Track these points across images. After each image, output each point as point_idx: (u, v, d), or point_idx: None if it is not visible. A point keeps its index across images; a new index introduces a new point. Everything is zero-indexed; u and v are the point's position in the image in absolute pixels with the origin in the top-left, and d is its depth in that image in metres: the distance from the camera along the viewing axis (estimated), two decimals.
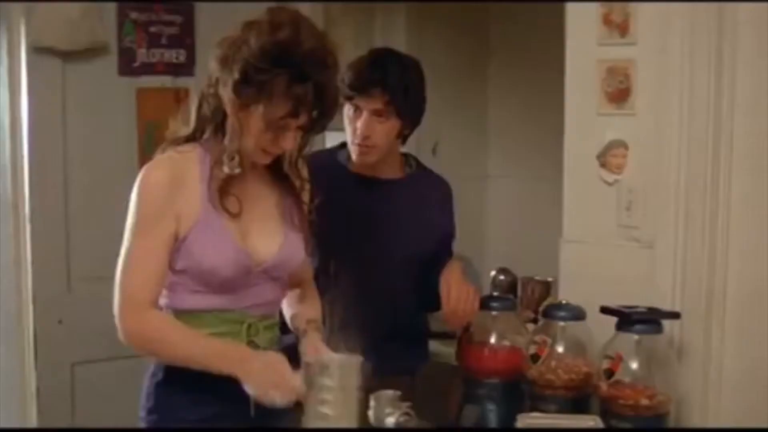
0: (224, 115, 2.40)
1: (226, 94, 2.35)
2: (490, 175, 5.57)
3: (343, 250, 2.99)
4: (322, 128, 2.47)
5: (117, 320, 2.39)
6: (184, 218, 2.40)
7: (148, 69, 4.21)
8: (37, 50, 3.91)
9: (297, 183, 2.61)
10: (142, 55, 4.16)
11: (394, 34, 5.24)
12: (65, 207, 3.94)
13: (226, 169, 2.40)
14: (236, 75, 2.32)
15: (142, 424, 2.57)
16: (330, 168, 3.08)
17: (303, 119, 2.36)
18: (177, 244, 2.41)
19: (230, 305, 2.47)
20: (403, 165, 3.23)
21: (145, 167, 2.45)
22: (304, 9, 4.60)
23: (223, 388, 2.38)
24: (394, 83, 2.99)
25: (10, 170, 3.99)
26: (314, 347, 2.51)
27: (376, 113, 2.99)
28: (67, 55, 3.96)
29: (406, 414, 2.97)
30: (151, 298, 2.40)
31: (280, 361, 2.37)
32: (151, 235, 2.38)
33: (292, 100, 2.31)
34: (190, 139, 2.48)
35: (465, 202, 5.55)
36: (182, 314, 2.45)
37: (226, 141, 2.40)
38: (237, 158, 2.40)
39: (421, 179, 3.25)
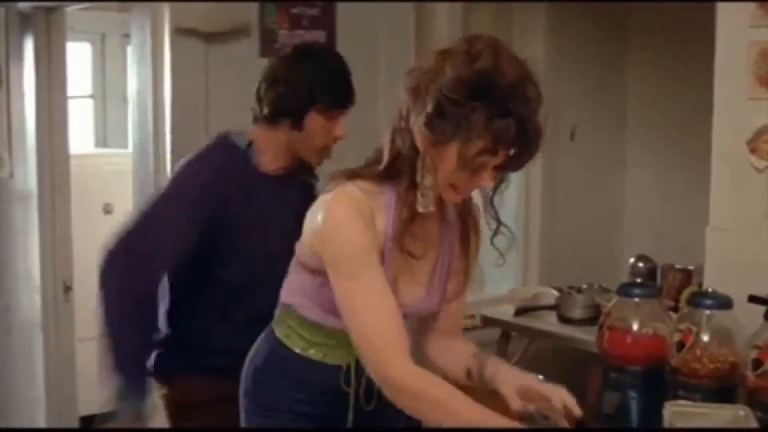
0: (417, 152, 2.20)
1: (418, 128, 2.16)
2: (628, 161, 5.52)
3: (265, 258, 2.86)
4: (520, 166, 2.22)
5: (378, 371, 2.20)
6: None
7: None
8: (180, 31, 3.96)
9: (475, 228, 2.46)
10: (283, 36, 4.20)
11: (534, 21, 5.21)
12: None
13: (419, 208, 2.22)
14: (430, 108, 2.12)
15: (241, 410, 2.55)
16: (243, 171, 2.96)
17: (501, 157, 2.15)
18: None
19: None
20: None
21: (327, 208, 2.26)
22: (443, 8, 4.67)
23: (323, 390, 2.39)
24: None
25: (152, 151, 4.07)
26: (522, 381, 2.34)
27: None
28: (210, 37, 4.02)
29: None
30: (407, 340, 2.21)
31: None
32: (373, 270, 2.22)
33: (491, 136, 2.10)
34: (375, 175, 2.28)
35: (603, 188, 5.56)
36: (305, 323, 2.42)
37: (419, 178, 2.21)
38: (431, 196, 2.22)
39: None
